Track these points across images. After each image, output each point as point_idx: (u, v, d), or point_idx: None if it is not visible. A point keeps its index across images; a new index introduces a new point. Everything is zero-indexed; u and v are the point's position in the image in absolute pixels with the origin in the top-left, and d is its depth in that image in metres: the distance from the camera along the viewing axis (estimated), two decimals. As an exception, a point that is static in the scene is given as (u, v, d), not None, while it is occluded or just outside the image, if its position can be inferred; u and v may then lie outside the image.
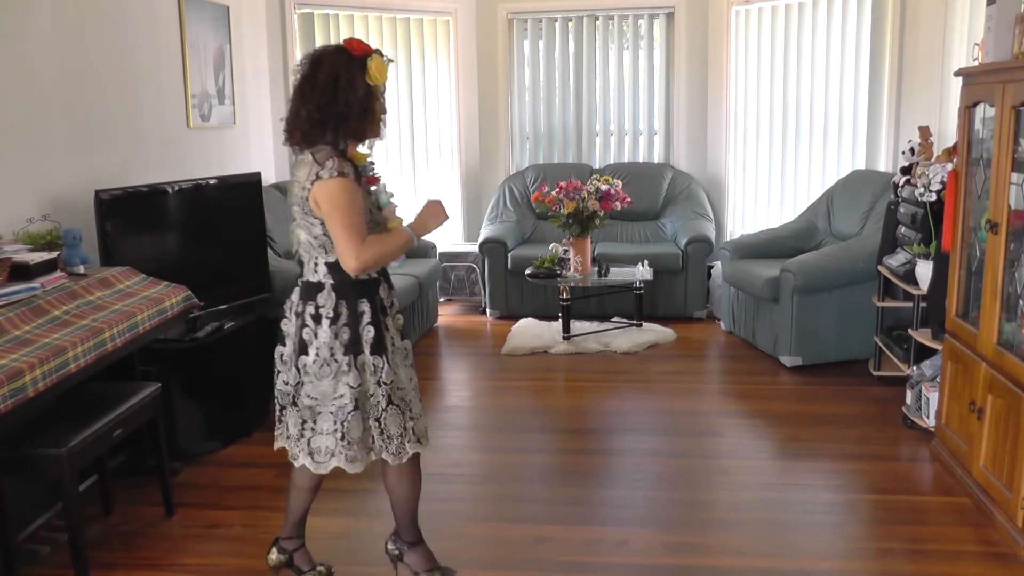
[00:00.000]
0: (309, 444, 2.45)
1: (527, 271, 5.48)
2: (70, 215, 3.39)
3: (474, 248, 6.21)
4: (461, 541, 2.97)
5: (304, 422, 2.46)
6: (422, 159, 6.57)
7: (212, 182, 3.96)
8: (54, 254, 2.95)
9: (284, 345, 2.47)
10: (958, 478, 3.30)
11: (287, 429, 2.51)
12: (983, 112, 3.28)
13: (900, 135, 5.30)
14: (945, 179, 3.63)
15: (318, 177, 2.31)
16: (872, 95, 5.51)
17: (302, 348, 2.41)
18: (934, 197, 3.77)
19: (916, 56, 5.13)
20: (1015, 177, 2.95)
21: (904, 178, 4.30)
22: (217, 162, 4.83)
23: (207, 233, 3.96)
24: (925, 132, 4.38)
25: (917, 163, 4.28)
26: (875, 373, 4.49)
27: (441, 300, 6.29)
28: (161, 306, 3.05)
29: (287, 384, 2.47)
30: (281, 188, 5.39)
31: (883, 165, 5.44)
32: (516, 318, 5.80)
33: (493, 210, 6.36)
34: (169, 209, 3.76)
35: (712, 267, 5.95)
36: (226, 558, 2.88)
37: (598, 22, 6.47)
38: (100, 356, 2.65)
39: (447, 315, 6.14)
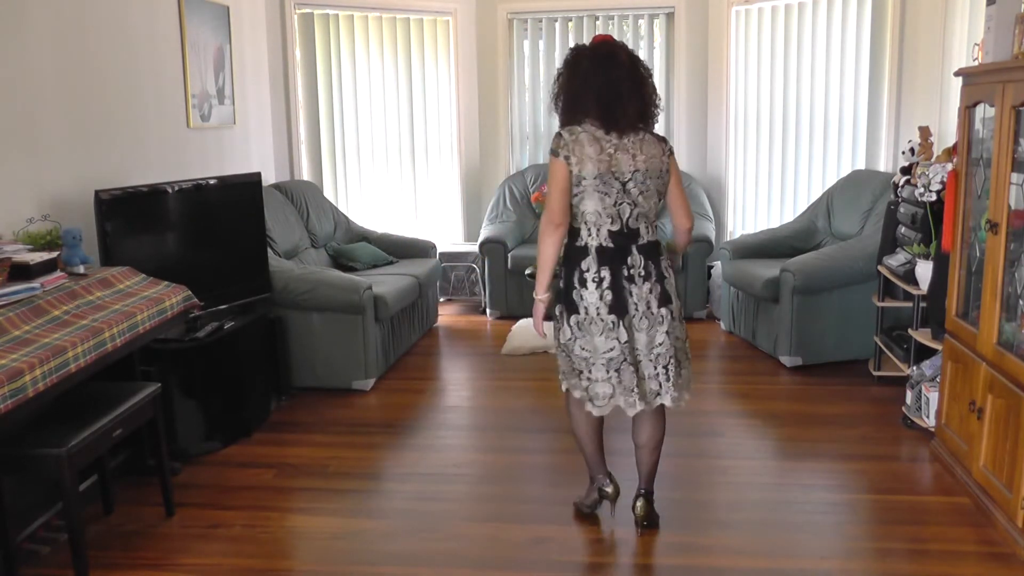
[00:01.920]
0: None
1: (527, 271, 5.46)
2: (70, 215, 3.39)
3: (474, 248, 6.21)
4: (461, 541, 2.97)
5: (679, 364, 2.89)
6: (422, 159, 6.57)
7: (212, 182, 3.96)
8: (54, 254, 2.95)
9: (670, 303, 2.81)
10: (958, 478, 3.30)
11: (674, 379, 2.85)
12: (983, 112, 3.28)
13: (900, 135, 5.30)
14: (945, 179, 3.63)
15: (672, 152, 2.82)
16: (872, 95, 5.50)
17: (667, 299, 2.79)
18: (934, 197, 3.77)
19: (916, 56, 5.13)
20: (1015, 177, 2.95)
21: (904, 178, 4.30)
22: (217, 162, 4.83)
23: (207, 233, 3.96)
24: (925, 132, 4.39)
25: (917, 163, 4.28)
26: (875, 373, 4.48)
27: (441, 300, 6.29)
28: (161, 306, 3.06)
29: (670, 335, 2.84)
30: (281, 188, 5.39)
31: (883, 165, 5.44)
32: (516, 318, 5.79)
33: (493, 210, 6.36)
34: (169, 209, 3.76)
35: (712, 267, 5.95)
36: (226, 558, 2.88)
37: (598, 22, 6.47)
38: (100, 356, 2.65)
39: (447, 315, 6.14)
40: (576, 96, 2.74)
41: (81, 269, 3.04)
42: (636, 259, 2.74)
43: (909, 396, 3.90)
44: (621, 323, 2.73)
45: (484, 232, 6.08)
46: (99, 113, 3.74)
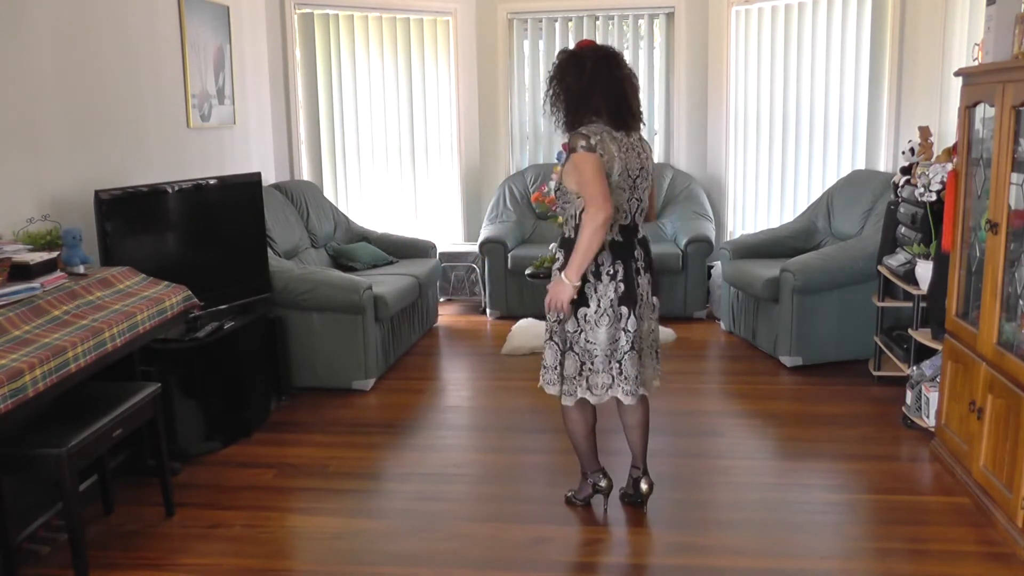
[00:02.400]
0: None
1: (527, 271, 5.47)
2: (70, 215, 3.39)
3: (474, 248, 6.21)
4: (461, 541, 2.97)
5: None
6: (422, 159, 6.57)
7: (212, 182, 3.96)
8: (54, 254, 2.95)
9: (659, 292, 3.04)
10: (958, 478, 3.30)
11: (660, 360, 3.12)
12: (983, 112, 3.28)
13: (900, 135, 5.30)
14: (945, 179, 3.63)
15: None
16: (872, 95, 5.50)
17: (657, 289, 2.99)
18: (934, 197, 3.77)
19: (916, 56, 5.13)
20: (1015, 177, 2.95)
21: (904, 178, 4.30)
22: (217, 162, 4.83)
23: (207, 233, 3.96)
24: (925, 132, 4.38)
25: (917, 163, 4.28)
26: (875, 373, 4.48)
27: (441, 300, 6.29)
28: (161, 306, 3.06)
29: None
30: (281, 188, 5.39)
31: (883, 165, 5.44)
32: (516, 318, 5.79)
33: (493, 210, 6.36)
34: (169, 209, 3.76)
35: (712, 267, 5.95)
36: (226, 558, 2.88)
37: (598, 22, 6.47)
38: (100, 356, 2.65)
39: (447, 315, 6.14)
40: (585, 95, 2.77)
41: (81, 269, 3.04)
42: (639, 252, 2.90)
43: (909, 396, 3.90)
44: (632, 313, 2.84)
45: (484, 232, 6.08)
46: (99, 113, 3.74)
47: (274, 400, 4.32)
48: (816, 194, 5.78)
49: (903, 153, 4.54)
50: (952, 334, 3.46)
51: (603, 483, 3.11)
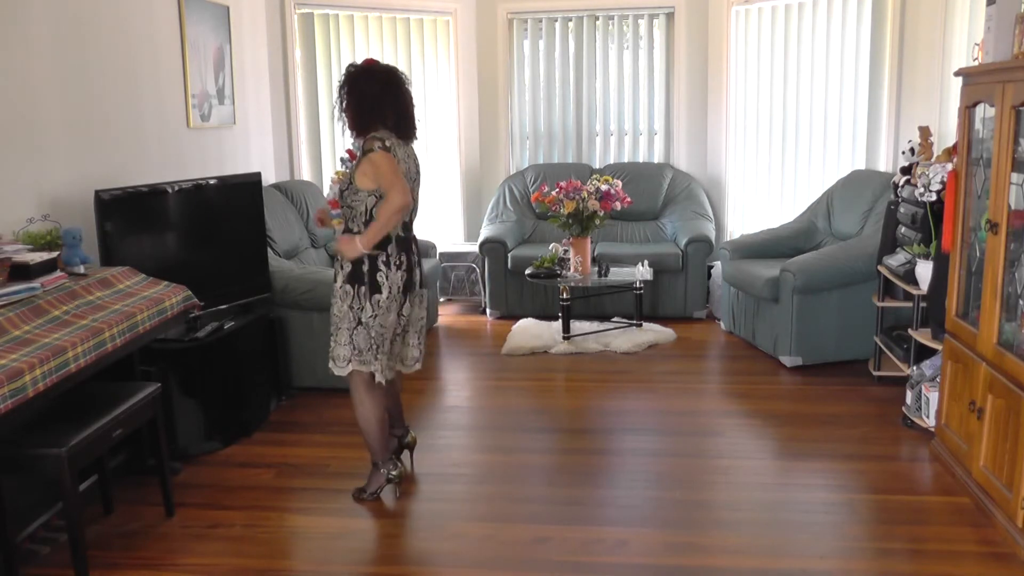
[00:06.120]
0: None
1: (527, 271, 5.48)
2: (70, 215, 3.39)
3: (474, 248, 6.21)
4: (461, 541, 2.98)
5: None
6: (422, 159, 6.54)
7: (212, 182, 3.96)
8: (54, 254, 2.95)
9: (426, 284, 3.44)
10: (958, 478, 3.30)
11: (424, 345, 3.48)
12: (983, 112, 3.28)
13: (900, 135, 5.30)
14: (945, 179, 3.64)
15: None
16: (872, 95, 5.51)
17: (424, 281, 3.37)
18: (934, 197, 3.77)
19: (916, 56, 5.13)
20: (1015, 177, 2.95)
21: (904, 178, 4.30)
22: (217, 162, 4.83)
23: (207, 233, 3.96)
24: (925, 132, 4.38)
25: (917, 163, 4.28)
26: (875, 373, 4.49)
27: (441, 300, 6.29)
28: (161, 306, 3.06)
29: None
30: (281, 188, 5.39)
31: (883, 165, 5.44)
32: (516, 318, 5.80)
33: (493, 210, 6.36)
34: (169, 209, 3.76)
35: (712, 267, 5.95)
36: (226, 558, 2.88)
37: (598, 22, 6.47)
38: (100, 356, 2.65)
39: (447, 315, 6.14)
40: (378, 105, 3.12)
41: (81, 269, 3.04)
42: (413, 247, 3.27)
43: (909, 396, 3.90)
44: (408, 299, 3.23)
45: (484, 232, 6.08)
46: (99, 113, 3.74)
47: (274, 400, 4.32)
48: (816, 194, 5.78)
49: (903, 153, 4.54)
50: (952, 334, 3.46)
51: (395, 472, 3.30)
